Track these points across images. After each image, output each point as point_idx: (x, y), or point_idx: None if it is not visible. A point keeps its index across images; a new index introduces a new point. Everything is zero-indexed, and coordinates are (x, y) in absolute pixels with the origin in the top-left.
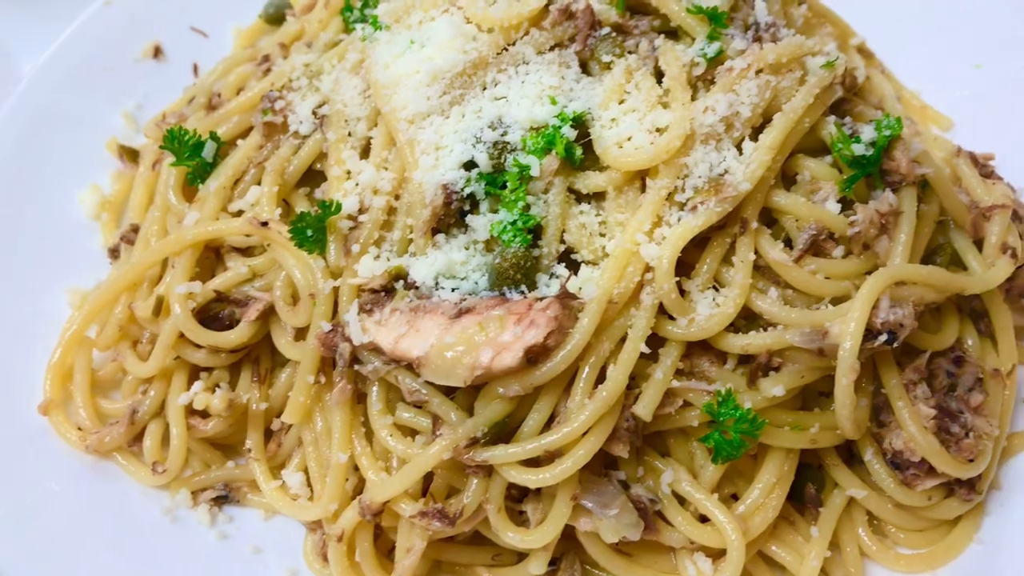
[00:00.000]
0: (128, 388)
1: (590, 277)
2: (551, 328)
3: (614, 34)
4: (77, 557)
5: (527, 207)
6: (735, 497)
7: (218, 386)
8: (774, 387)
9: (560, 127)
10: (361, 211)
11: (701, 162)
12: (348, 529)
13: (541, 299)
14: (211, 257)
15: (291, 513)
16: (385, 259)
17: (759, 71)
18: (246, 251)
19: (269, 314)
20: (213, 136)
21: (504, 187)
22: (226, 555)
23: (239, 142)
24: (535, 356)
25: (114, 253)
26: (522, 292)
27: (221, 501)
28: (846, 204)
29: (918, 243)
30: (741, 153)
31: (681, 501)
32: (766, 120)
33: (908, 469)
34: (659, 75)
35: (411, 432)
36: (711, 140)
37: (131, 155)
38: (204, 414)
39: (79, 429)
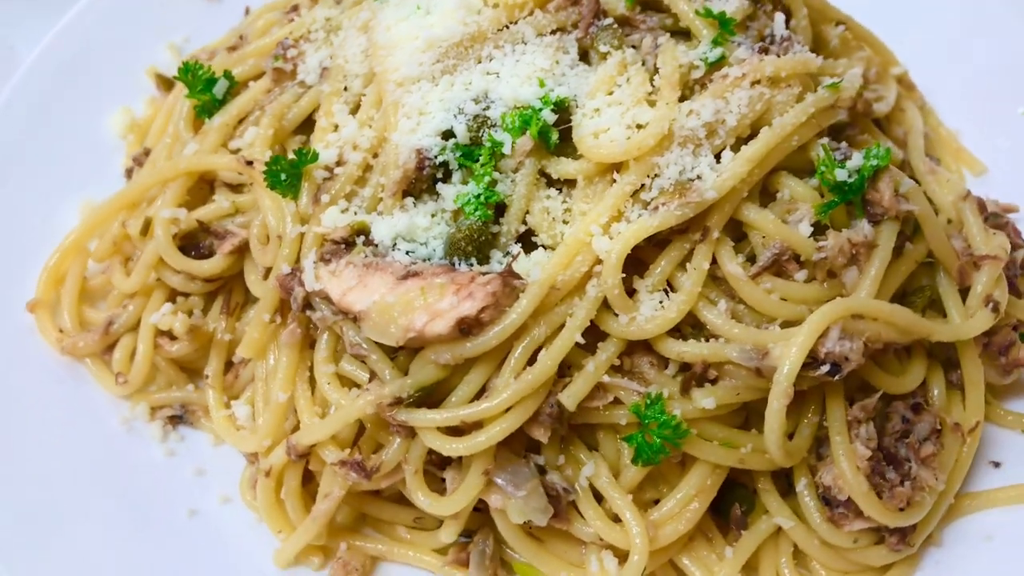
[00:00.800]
0: (112, 301)
1: (539, 261)
2: (487, 303)
3: (615, 25)
4: (28, 444)
5: (493, 183)
6: (657, 502)
7: (191, 312)
8: (705, 399)
9: (540, 109)
10: (339, 163)
11: (674, 164)
12: (276, 466)
13: (485, 274)
14: (205, 189)
15: (232, 441)
16: (352, 213)
17: (756, 82)
18: (237, 188)
19: (244, 250)
20: (227, 74)
21: (478, 160)
22: (169, 471)
23: (251, 84)
24: (468, 328)
25: (129, 173)
26: (471, 264)
27: (176, 421)
28: (821, 229)
29: (891, 280)
30: (718, 161)
31: (599, 497)
32: (755, 132)
33: (837, 507)
34: (656, 72)
35: (352, 384)
36: (689, 144)
37: (166, 84)
38: (173, 336)
39: (60, 331)
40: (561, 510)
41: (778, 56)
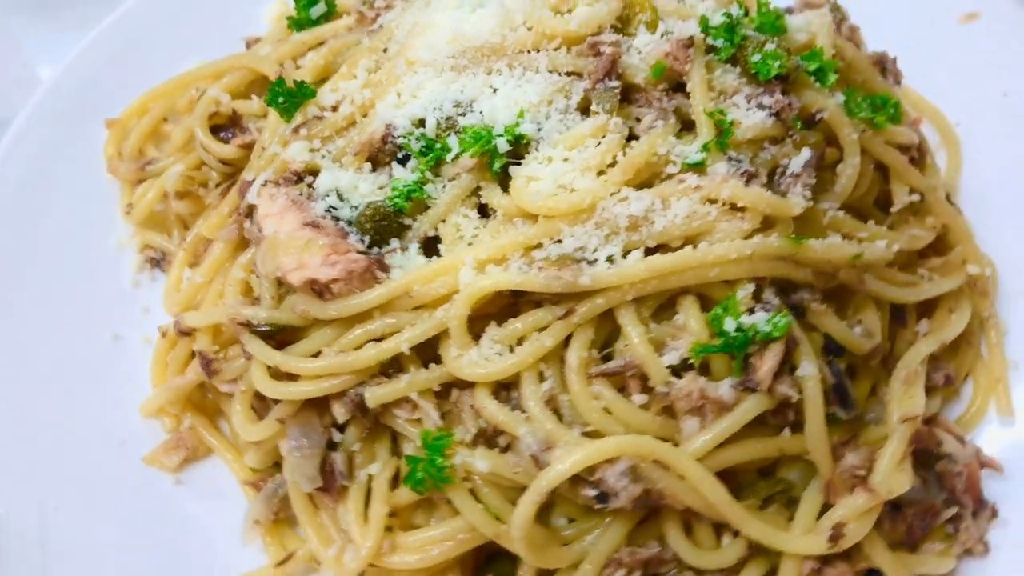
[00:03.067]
0: (166, 151)
1: (412, 264)
2: (340, 277)
3: (618, 90)
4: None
5: (425, 181)
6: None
7: (205, 184)
8: (481, 460)
9: (498, 136)
10: (334, 109)
11: (577, 239)
12: (171, 333)
13: (362, 253)
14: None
15: (163, 297)
16: (320, 156)
17: (710, 200)
18: None
19: (251, 148)
20: (328, 1)
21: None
22: (122, 298)
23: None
24: (319, 291)
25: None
26: (363, 241)
27: (154, 262)
28: (689, 367)
29: (739, 452)
30: (624, 257)
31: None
32: (686, 243)
33: None
34: None
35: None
36: (606, 227)
37: None
38: (182, 195)
39: (119, 153)
40: (332, 488)
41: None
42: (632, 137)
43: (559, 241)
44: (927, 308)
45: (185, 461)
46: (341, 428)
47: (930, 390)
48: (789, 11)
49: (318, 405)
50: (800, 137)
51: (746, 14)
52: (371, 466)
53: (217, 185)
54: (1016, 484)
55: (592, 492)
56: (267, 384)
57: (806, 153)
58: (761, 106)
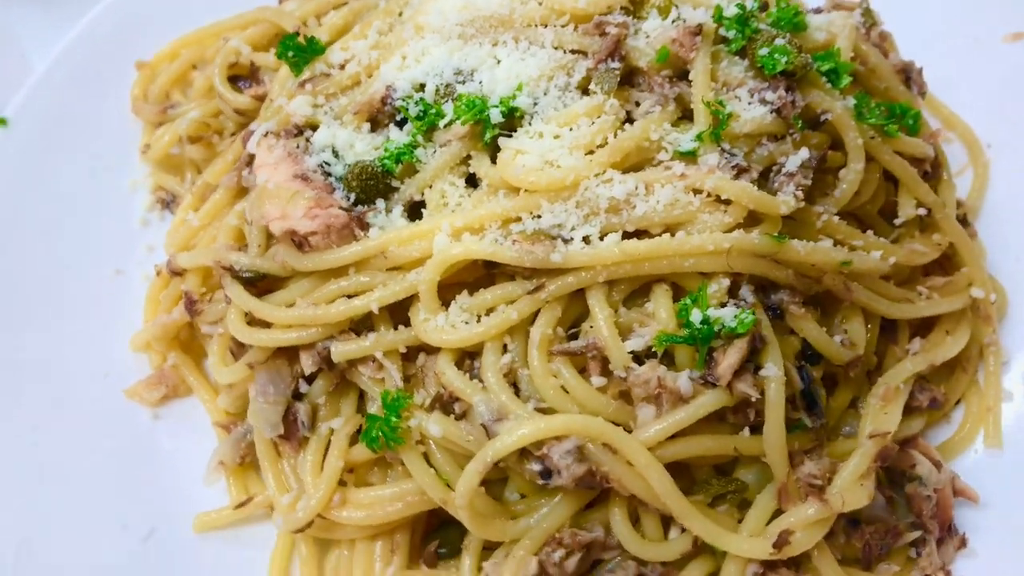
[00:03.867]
0: (191, 96)
1: (392, 226)
2: (318, 231)
3: (617, 72)
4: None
5: (416, 145)
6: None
7: (220, 132)
8: (434, 425)
9: (492, 106)
10: (341, 67)
11: (555, 215)
12: (163, 270)
13: (345, 209)
14: None
15: (167, 234)
16: (322, 112)
17: (694, 190)
18: None
19: (263, 100)
20: None
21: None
22: (130, 236)
23: None
24: (298, 243)
25: None
26: (347, 198)
27: (164, 204)
28: (653, 355)
29: (691, 444)
30: (601, 239)
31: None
32: (667, 231)
33: None
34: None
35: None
36: (586, 207)
37: None
38: (194, 140)
39: (144, 96)
40: (293, 437)
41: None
42: (630, 120)
43: (538, 216)
44: (924, 327)
45: (165, 398)
46: (309, 380)
47: (913, 410)
48: (818, 11)
49: (289, 355)
50: (801, 136)
51: (764, 8)
52: (334, 420)
53: (232, 134)
54: (993, 516)
55: (537, 467)
56: (240, 329)
57: (804, 153)
58: (763, 101)
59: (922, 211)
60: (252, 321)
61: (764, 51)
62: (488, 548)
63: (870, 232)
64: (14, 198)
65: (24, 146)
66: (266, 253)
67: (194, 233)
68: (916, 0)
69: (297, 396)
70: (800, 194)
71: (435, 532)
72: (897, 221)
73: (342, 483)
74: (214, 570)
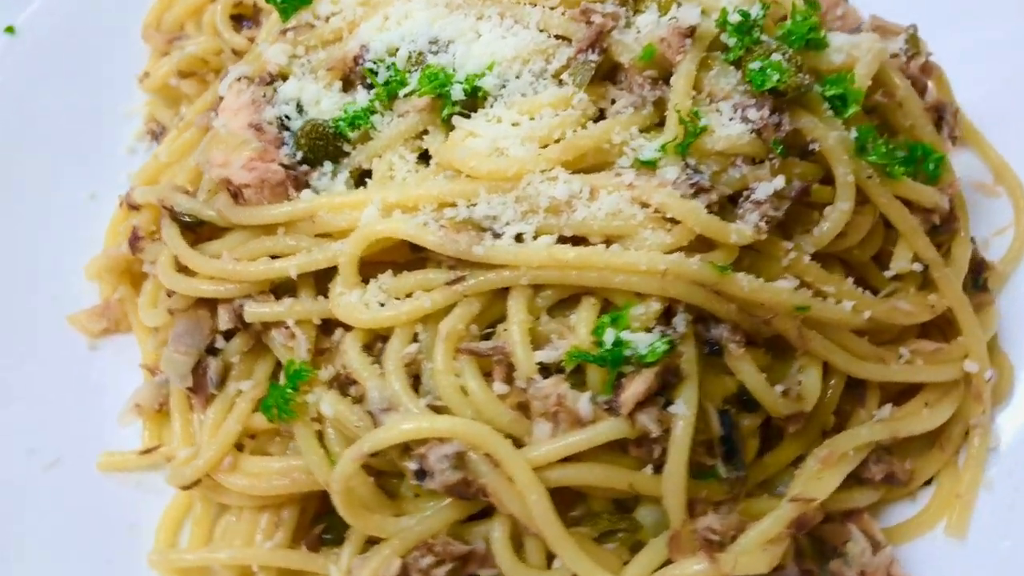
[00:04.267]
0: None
1: (332, 191)
2: (252, 184)
3: (593, 64)
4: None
5: (372, 111)
6: None
7: (219, 71)
8: (325, 403)
9: (456, 82)
10: (327, 20)
11: (490, 206)
12: (126, 204)
13: (286, 167)
14: None
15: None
16: (298, 63)
17: (641, 203)
18: None
19: None
20: None
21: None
22: (113, 162)
23: None
24: (233, 193)
25: None
26: (294, 155)
27: (154, 135)
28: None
29: (582, 471)
30: (535, 239)
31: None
32: (607, 241)
33: None
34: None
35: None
36: (525, 203)
37: None
38: (187, 75)
39: (158, 23)
40: (201, 391)
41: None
42: (602, 118)
43: (474, 205)
44: (906, 394)
45: (107, 331)
46: (228, 337)
47: (865, 481)
48: (858, 30)
49: (211, 308)
50: (781, 164)
51: (783, 19)
52: (244, 382)
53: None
54: None
55: (413, 466)
56: (166, 272)
57: (778, 181)
58: (745, 119)
59: (917, 266)
60: (183, 268)
61: (756, 65)
62: (373, 542)
63: (850, 280)
64: (10, 104)
65: (28, 56)
66: (210, 200)
67: (161, 169)
68: (996, 38)
69: (213, 352)
70: (764, 225)
71: (325, 516)
72: (888, 273)
73: (240, 447)
74: (107, 511)
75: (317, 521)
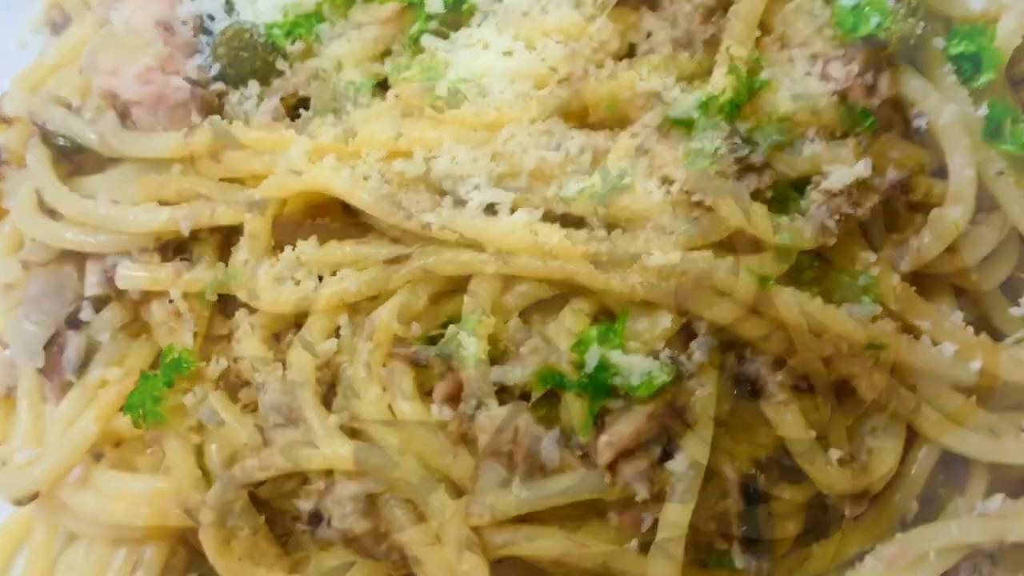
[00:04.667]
0: None
1: (250, 121)
2: (144, 101)
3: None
4: None
5: (320, 18)
6: None
7: None
8: (205, 409)
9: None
10: None
11: (459, 161)
12: None
13: (193, 82)
14: None
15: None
16: None
17: (662, 177)
18: None
19: None
20: None
21: None
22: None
23: None
24: (120, 111)
25: None
26: (209, 68)
27: (54, 27)
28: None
29: (540, 540)
30: (512, 212)
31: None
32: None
33: None
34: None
35: None
36: (503, 163)
37: None
38: None
39: None
40: (54, 374)
41: None
42: (631, 56)
43: (435, 157)
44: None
45: None
46: (98, 308)
47: None
48: None
49: (80, 266)
50: (869, 142)
51: None
52: (111, 369)
53: None
54: None
55: (307, 506)
56: (24, 212)
57: (862, 167)
58: (826, 76)
59: None
60: (49, 209)
61: (849, 1)
62: None
63: (958, 315)
64: None
65: None
66: (97, 120)
67: (47, 73)
68: None
69: (76, 325)
70: (833, 225)
71: (203, 562)
72: (1016, 311)
73: (99, 456)
74: None
75: (191, 569)
